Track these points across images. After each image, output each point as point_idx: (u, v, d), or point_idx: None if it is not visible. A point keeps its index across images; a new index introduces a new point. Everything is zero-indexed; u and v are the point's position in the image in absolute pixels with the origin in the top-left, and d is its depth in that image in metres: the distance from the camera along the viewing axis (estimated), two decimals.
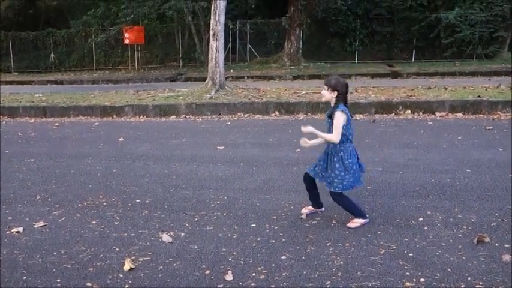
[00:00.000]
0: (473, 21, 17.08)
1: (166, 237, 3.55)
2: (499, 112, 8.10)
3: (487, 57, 17.42)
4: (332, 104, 3.56)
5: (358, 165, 3.60)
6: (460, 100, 8.52)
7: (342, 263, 3.07)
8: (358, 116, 8.19)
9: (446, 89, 10.06)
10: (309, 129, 3.57)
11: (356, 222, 3.64)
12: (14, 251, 3.43)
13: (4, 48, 22.41)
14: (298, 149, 6.09)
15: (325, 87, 3.54)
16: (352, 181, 3.55)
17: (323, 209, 3.91)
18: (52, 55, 22.19)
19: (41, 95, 12.13)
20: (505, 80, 11.49)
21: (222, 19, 10.58)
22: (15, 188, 4.95)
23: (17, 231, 3.78)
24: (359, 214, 3.66)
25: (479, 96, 8.69)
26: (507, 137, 6.38)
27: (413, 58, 18.96)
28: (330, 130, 3.56)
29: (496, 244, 3.24)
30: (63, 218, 4.04)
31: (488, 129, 6.89)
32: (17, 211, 4.25)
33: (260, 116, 8.97)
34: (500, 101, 8.29)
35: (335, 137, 3.47)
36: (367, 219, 3.66)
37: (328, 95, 3.53)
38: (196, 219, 3.91)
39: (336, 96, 3.50)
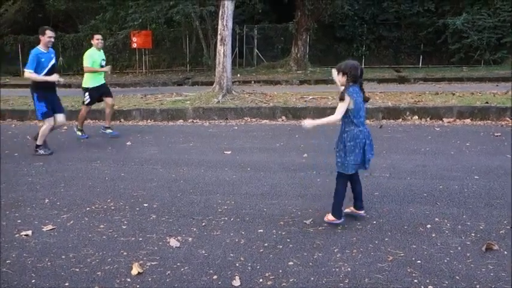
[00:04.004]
0: (481, 26, 17.04)
1: (173, 242, 3.57)
2: (507, 118, 8.06)
3: (495, 63, 17.35)
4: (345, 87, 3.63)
5: (363, 150, 3.58)
6: (468, 106, 8.49)
7: (349, 269, 3.06)
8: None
9: (453, 94, 10.03)
10: (308, 123, 3.67)
11: (330, 218, 3.75)
12: (23, 254, 3.46)
13: (13, 51, 22.64)
14: (305, 154, 6.10)
15: (336, 73, 3.65)
16: (352, 164, 3.59)
17: (363, 212, 3.89)
18: (60, 59, 22.35)
19: None
20: None
21: (230, 24, 10.64)
22: (24, 191, 4.99)
23: (26, 235, 3.81)
24: (336, 212, 3.72)
25: (487, 102, 8.66)
26: None
27: (420, 63, 18.94)
28: None
29: (505, 252, 3.22)
30: (72, 222, 4.07)
31: (497, 136, 6.86)
32: (26, 214, 4.29)
33: (267, 120, 8.99)
34: (509, 107, 8.24)
35: (334, 116, 3.56)
36: (341, 221, 3.71)
37: (340, 80, 3.62)
38: (203, 224, 3.92)
39: (346, 79, 3.56)
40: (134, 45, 19.75)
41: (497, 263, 3.06)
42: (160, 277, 3.06)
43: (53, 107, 6.55)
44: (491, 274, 2.94)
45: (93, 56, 7.53)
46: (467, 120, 8.17)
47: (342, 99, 3.54)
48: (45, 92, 6.42)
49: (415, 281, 2.89)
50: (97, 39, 7.65)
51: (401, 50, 19.63)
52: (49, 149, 6.65)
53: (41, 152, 6.58)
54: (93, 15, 21.68)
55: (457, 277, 2.92)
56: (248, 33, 20.55)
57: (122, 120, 9.64)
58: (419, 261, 3.13)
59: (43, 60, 6.28)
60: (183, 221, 4.01)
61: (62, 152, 6.83)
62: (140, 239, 3.67)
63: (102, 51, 7.77)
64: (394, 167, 5.34)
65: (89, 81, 7.62)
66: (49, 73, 6.37)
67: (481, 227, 3.64)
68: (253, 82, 15.56)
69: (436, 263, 3.10)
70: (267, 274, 3.04)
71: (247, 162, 5.84)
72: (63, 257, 3.39)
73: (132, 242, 3.61)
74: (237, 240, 3.58)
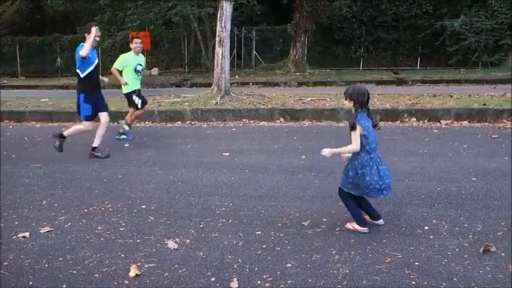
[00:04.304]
0: (479, 29, 17.09)
1: (171, 244, 3.56)
2: (505, 120, 8.08)
3: (493, 65, 17.39)
4: (353, 113, 3.61)
5: (379, 176, 3.53)
6: (466, 108, 8.51)
7: (347, 271, 3.06)
8: None
9: (451, 96, 10.05)
10: (326, 152, 3.63)
11: (354, 226, 3.69)
12: (21, 256, 3.45)
13: (11, 52, 22.59)
14: (304, 156, 6.10)
15: (344, 97, 3.66)
16: (362, 190, 3.55)
17: (381, 221, 3.81)
18: (58, 60, 22.33)
19: (47, 99, 12.21)
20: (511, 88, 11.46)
21: (228, 25, 10.64)
22: (21, 192, 4.97)
23: (23, 236, 3.80)
24: (360, 221, 3.68)
25: (484, 104, 8.68)
26: None
27: (418, 65, 18.97)
28: (350, 137, 3.61)
29: (503, 254, 3.22)
30: (69, 224, 4.06)
31: (494, 138, 6.87)
32: (23, 216, 4.28)
33: (265, 122, 8.99)
34: (506, 109, 8.26)
35: (353, 146, 3.52)
36: (366, 229, 3.64)
37: (347, 105, 3.63)
38: (201, 225, 3.92)
39: (354, 105, 3.56)
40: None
41: (495, 265, 3.07)
42: (158, 279, 3.06)
43: (97, 106, 6.41)
44: (489, 276, 2.94)
45: (127, 60, 7.35)
46: (465, 122, 8.19)
47: (353, 128, 3.50)
48: (91, 92, 6.28)
49: (413, 282, 2.89)
50: (135, 43, 7.46)
51: (400, 52, 19.66)
52: (60, 149, 6.49)
53: (98, 154, 6.46)
54: (91, 16, 21.63)
55: (455, 279, 2.92)
56: (246, 35, 20.56)
57: (120, 121, 9.61)
58: (417, 263, 3.13)
59: (90, 56, 6.11)
60: (181, 222, 4.00)
61: (59, 153, 6.81)
62: (138, 240, 3.66)
63: (141, 55, 7.59)
64: (392, 169, 5.31)
65: (127, 85, 7.43)
66: (94, 70, 6.26)
67: (479, 229, 3.64)
68: (251, 84, 15.56)
69: (433, 265, 3.10)
70: (265, 276, 3.04)
71: (245, 164, 5.84)
72: (61, 259, 3.39)
73: (129, 244, 3.61)
74: (235, 242, 3.58)
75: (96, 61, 6.35)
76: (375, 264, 3.13)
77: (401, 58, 19.68)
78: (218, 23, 10.70)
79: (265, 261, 3.24)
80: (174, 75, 19.64)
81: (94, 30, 6.07)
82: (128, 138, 7.70)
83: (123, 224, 4.00)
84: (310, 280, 2.97)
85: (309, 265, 3.16)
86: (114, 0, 19.03)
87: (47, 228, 3.95)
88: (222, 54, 10.60)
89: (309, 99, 10.30)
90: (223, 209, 4.30)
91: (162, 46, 22.08)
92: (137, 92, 7.63)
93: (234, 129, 8.40)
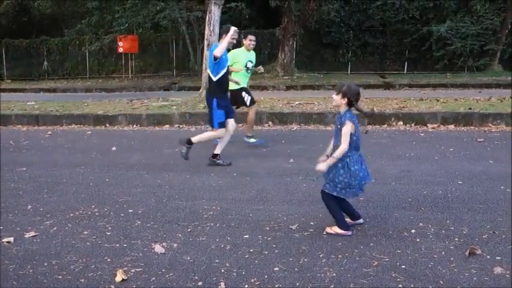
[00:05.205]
0: (464, 34, 17.35)
1: (158, 248, 3.53)
2: (490, 124, 8.19)
3: (478, 69, 17.65)
4: (341, 111, 3.61)
5: (367, 173, 3.66)
6: (452, 112, 8.61)
7: (334, 274, 3.07)
8: None
9: (438, 100, 10.16)
10: (322, 167, 3.59)
11: (335, 230, 3.68)
12: (5, 262, 3.39)
13: None
14: (292, 160, 6.11)
15: (336, 93, 3.60)
16: (356, 189, 3.61)
17: (361, 220, 3.85)
18: (45, 63, 22.15)
19: (33, 103, 12.08)
20: (496, 93, 11.65)
21: (216, 29, 10.65)
22: (6, 197, 4.90)
23: (8, 242, 3.74)
24: (342, 225, 3.68)
25: (470, 109, 8.79)
26: (498, 149, 6.45)
27: (405, 70, 19.17)
28: (337, 136, 3.62)
29: (488, 256, 3.25)
30: (55, 228, 4.01)
31: (480, 142, 6.96)
32: (8, 221, 4.21)
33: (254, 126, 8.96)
34: (491, 113, 8.38)
35: (343, 147, 3.52)
36: (349, 233, 3.66)
37: (338, 101, 3.58)
38: (189, 229, 3.90)
39: (346, 103, 3.55)
40: (120, 50, 19.65)
41: (480, 268, 3.10)
42: (144, 284, 3.03)
43: (227, 111, 5.99)
44: (475, 279, 2.96)
45: (239, 56, 7.05)
46: (451, 126, 8.28)
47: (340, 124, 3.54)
48: (223, 96, 5.94)
49: (400, 286, 2.90)
50: (250, 40, 7.28)
51: (387, 57, 19.87)
52: (187, 155, 5.96)
53: (219, 161, 6.05)
54: (79, 19, 21.53)
55: (441, 282, 2.94)
56: None
57: (108, 125, 9.55)
58: (403, 266, 3.15)
59: (223, 57, 5.78)
60: (168, 227, 3.98)
61: (46, 157, 6.74)
62: (125, 245, 3.63)
63: (252, 52, 7.35)
64: (379, 172, 5.37)
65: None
66: (227, 73, 5.97)
67: (465, 232, 3.68)
68: None
69: (420, 268, 3.12)
70: (252, 280, 3.03)
71: (233, 168, 5.83)
72: (46, 264, 3.34)
73: (116, 248, 3.57)
74: (222, 246, 3.56)
75: (228, 63, 6.02)
76: (362, 268, 3.14)
77: (389, 62, 19.89)
78: (207, 27, 10.72)
79: (253, 265, 3.23)
80: (163, 79, 19.59)
81: (232, 30, 5.70)
82: (260, 141, 7.30)
83: (109, 229, 3.96)
84: (297, 284, 2.96)
85: (296, 269, 3.16)
86: (102, 3, 18.94)
87: (32, 233, 3.90)
88: None
89: (297, 102, 10.33)
90: (211, 212, 4.28)
91: (150, 49, 22.02)
92: (245, 90, 7.22)
93: None
